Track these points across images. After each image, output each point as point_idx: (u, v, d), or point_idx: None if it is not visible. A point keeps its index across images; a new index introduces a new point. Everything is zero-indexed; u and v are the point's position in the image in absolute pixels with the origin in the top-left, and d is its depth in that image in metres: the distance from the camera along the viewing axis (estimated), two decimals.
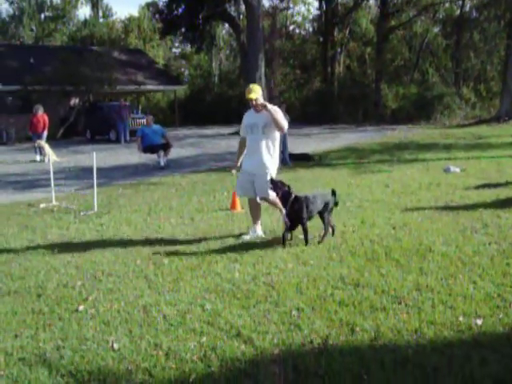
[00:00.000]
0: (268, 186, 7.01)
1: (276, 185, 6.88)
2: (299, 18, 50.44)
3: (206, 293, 5.30)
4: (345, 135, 25.48)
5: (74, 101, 33.63)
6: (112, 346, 4.25)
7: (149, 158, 17.14)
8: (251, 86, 7.39)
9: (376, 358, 3.87)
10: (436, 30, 43.86)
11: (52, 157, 16.94)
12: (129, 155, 20.09)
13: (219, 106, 40.19)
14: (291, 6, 48.92)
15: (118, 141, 26.59)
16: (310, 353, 4.00)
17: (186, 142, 24.37)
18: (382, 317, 4.53)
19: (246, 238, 7.37)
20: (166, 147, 16.71)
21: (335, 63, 41.09)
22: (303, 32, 50.71)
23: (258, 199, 7.39)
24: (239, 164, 7.67)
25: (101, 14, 62.83)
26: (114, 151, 22.33)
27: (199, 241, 7.32)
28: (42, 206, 10.77)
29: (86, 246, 7.40)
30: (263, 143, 7.23)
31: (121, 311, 4.94)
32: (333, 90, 38.63)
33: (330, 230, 7.15)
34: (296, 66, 46.65)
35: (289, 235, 7.03)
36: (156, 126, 17.14)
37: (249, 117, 7.50)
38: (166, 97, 46.30)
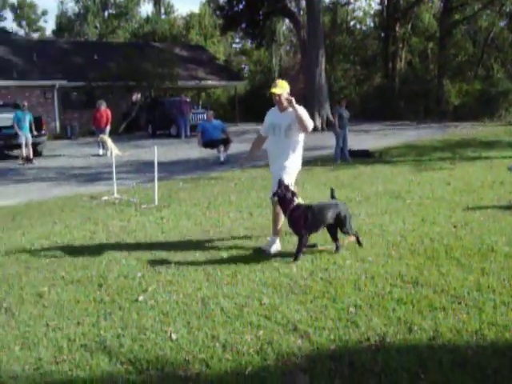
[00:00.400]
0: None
1: (280, 186, 6.34)
2: (360, 13, 49.91)
3: (264, 287, 5.33)
4: (405, 132, 25.08)
5: (136, 96, 34.23)
6: (170, 336, 4.33)
7: (209, 152, 17.31)
8: (277, 80, 6.87)
9: (434, 357, 3.82)
10: (502, 23, 42.55)
11: (114, 151, 17.22)
12: (189, 150, 20.33)
13: None
14: (352, 1, 48.46)
15: (178, 136, 26.93)
16: (366, 350, 3.98)
17: (246, 138, 24.42)
18: (441, 316, 4.46)
19: (272, 249, 6.58)
20: (225, 142, 16.82)
21: (396, 59, 40.34)
22: (364, 27, 50.14)
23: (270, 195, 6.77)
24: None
25: (163, 10, 63.78)
26: (174, 146, 22.64)
27: (257, 235, 7.36)
28: (104, 198, 11.03)
29: (146, 238, 7.55)
30: (286, 146, 6.66)
31: (179, 303, 5.02)
32: (394, 86, 38.03)
33: (354, 238, 6.59)
34: (356, 61, 46.09)
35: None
36: (216, 122, 17.25)
37: (272, 115, 6.93)
38: (226, 92, 46.55)
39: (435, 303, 4.73)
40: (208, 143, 16.79)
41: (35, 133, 19.49)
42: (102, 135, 19.82)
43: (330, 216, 6.30)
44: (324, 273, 5.66)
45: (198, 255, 6.53)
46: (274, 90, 6.64)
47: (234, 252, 6.60)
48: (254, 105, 40.20)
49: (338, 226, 6.37)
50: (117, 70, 30.42)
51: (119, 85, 30.70)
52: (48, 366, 3.98)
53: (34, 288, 5.63)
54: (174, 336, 4.33)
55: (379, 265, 5.85)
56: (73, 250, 7.07)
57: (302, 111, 6.54)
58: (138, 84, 31.19)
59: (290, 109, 6.57)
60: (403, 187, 10.61)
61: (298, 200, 6.45)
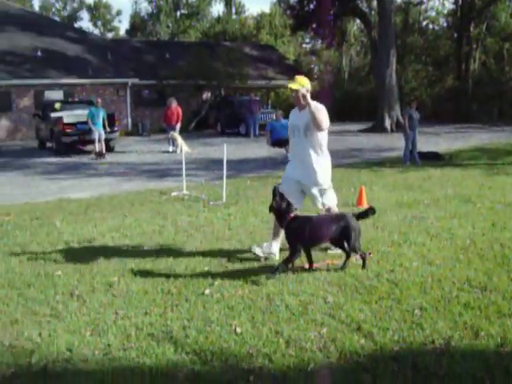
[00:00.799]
0: (329, 192, 6.29)
1: (275, 195, 5.82)
2: (433, 13, 48.94)
3: (329, 286, 5.34)
4: (478, 135, 24.48)
5: (206, 95, 34.67)
6: (235, 329, 4.40)
7: (277, 152, 17.38)
8: (297, 76, 6.33)
9: (501, 364, 3.74)
10: None
11: (184, 148, 17.61)
12: (257, 149, 20.47)
13: (348, 103, 39.79)
14: (425, 0, 47.57)
15: (247, 134, 27.14)
16: (430, 353, 3.94)
17: None
18: (509, 323, 4.36)
19: (256, 250, 6.33)
20: None
21: (470, 60, 39.41)
22: (437, 27, 49.09)
23: (322, 207, 6.35)
24: None
25: (234, 10, 64.41)
26: (243, 144, 22.82)
27: None
28: (173, 194, 11.25)
29: (213, 234, 7.66)
30: (308, 149, 6.15)
31: (245, 297, 5.09)
32: (467, 88, 37.15)
33: (361, 260, 5.88)
34: (428, 62, 45.20)
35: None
36: (285, 121, 17.25)
37: (292, 116, 6.48)
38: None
39: (504, 309, 4.62)
40: (276, 142, 16.86)
41: (108, 129, 20.09)
42: (172, 132, 20.25)
43: (335, 230, 5.79)
44: (390, 274, 5.62)
45: None
46: (290, 86, 6.19)
47: None
48: (324, 105, 40.03)
49: (345, 240, 5.81)
50: (188, 68, 30.92)
51: (190, 83, 31.18)
52: (116, 352, 4.12)
53: (104, 278, 5.82)
54: (238, 330, 4.40)
55: (446, 268, 5.76)
56: (142, 243, 7.26)
57: (317, 108, 6.07)
58: (208, 83, 31.64)
59: None
60: (474, 191, 10.38)
61: (296, 211, 5.98)
